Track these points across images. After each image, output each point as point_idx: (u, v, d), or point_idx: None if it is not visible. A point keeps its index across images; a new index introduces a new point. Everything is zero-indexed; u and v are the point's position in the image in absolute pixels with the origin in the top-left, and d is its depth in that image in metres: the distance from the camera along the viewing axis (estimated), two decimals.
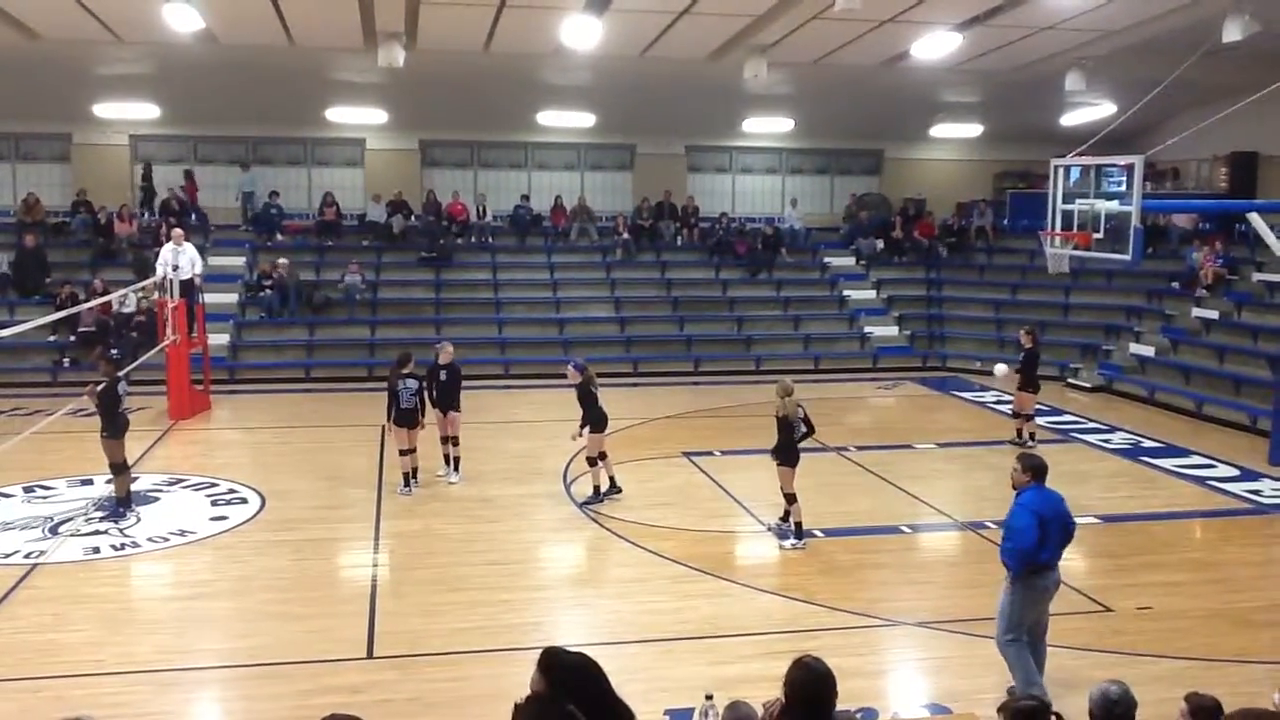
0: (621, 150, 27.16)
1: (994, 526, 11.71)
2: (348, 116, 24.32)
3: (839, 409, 18.76)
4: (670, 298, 24.63)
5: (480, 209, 25.50)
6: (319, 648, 8.63)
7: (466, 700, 7.80)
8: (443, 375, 13.59)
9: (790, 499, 11.30)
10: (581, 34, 17.02)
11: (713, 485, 13.72)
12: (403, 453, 13.19)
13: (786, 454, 11.25)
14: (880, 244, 26.53)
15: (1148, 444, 16.45)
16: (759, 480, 12.84)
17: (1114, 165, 14.60)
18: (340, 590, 10.26)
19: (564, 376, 13.52)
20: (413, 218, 25.13)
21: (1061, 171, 15.23)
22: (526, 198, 26.05)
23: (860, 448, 15.76)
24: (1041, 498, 7.51)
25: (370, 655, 8.51)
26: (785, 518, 11.46)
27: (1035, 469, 7.61)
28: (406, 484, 13.14)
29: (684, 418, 18.23)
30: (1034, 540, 7.30)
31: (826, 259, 26.38)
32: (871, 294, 25.59)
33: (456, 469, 13.68)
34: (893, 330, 24.45)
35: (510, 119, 24.70)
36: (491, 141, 26.38)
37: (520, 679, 7.82)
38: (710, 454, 15.23)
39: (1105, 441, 16.63)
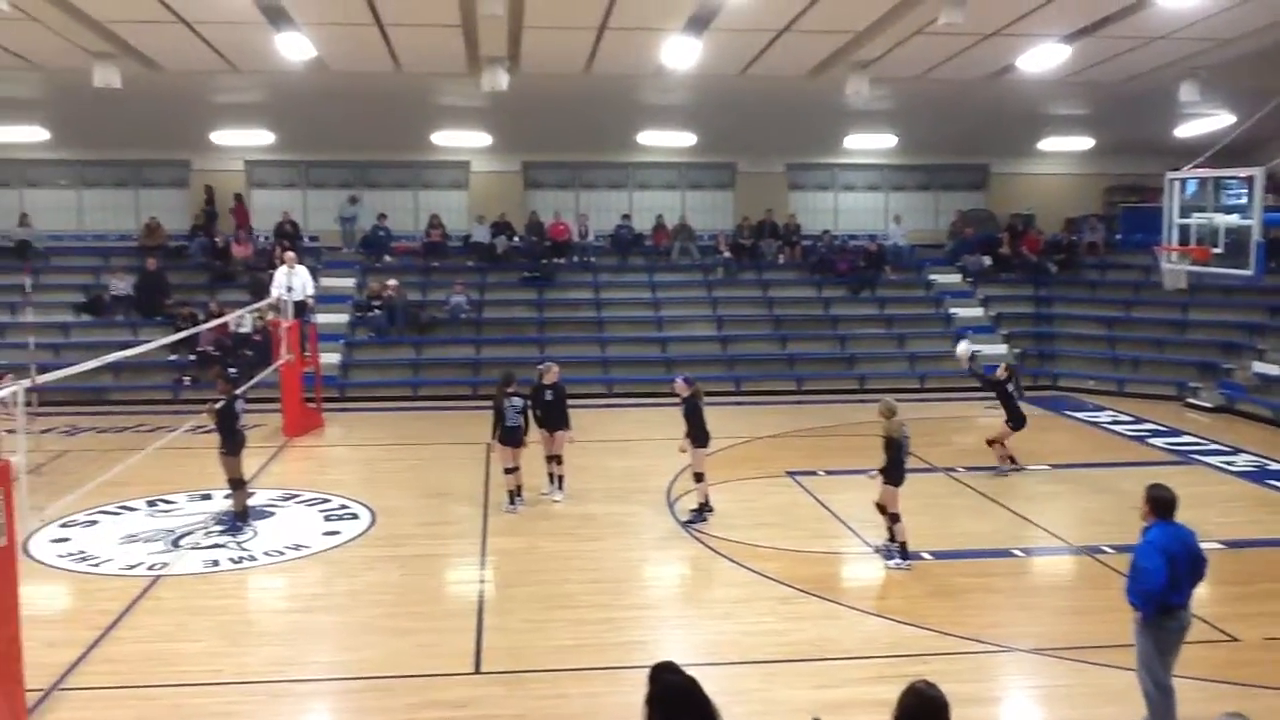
0: (722, 169, 27.17)
1: (1110, 551, 11.39)
2: (452, 140, 24.80)
3: (945, 429, 18.43)
4: (772, 316, 24.51)
5: (582, 229, 25.74)
6: (427, 662, 8.75)
7: (573, 717, 7.83)
8: (548, 395, 13.71)
9: (894, 519, 11.12)
10: (681, 54, 17.09)
11: (817, 505, 13.56)
12: (507, 470, 13.32)
13: (893, 473, 11.08)
14: (987, 260, 26.02)
15: (1274, 466, 15.79)
16: (864, 500, 12.63)
17: (1233, 178, 14.10)
18: (447, 605, 10.39)
19: (666, 395, 13.55)
20: (516, 238, 25.48)
21: (1177, 185, 14.77)
22: (628, 217, 26.22)
23: (969, 468, 15.43)
24: (1170, 534, 7.06)
25: (477, 670, 8.60)
26: (892, 538, 11.27)
27: (1160, 503, 7.16)
28: (512, 501, 13.27)
29: (786, 437, 18.09)
30: (1163, 582, 6.88)
31: (931, 276, 25.97)
32: (978, 311, 25.09)
33: (561, 487, 13.78)
34: (1001, 349, 23.91)
35: (611, 139, 24.92)
36: (592, 162, 26.64)
37: (622, 698, 7.95)
38: (814, 474, 15.08)
39: (1228, 464, 16.00)
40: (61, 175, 25.58)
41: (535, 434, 13.73)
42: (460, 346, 23.01)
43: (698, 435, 12.65)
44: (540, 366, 14.22)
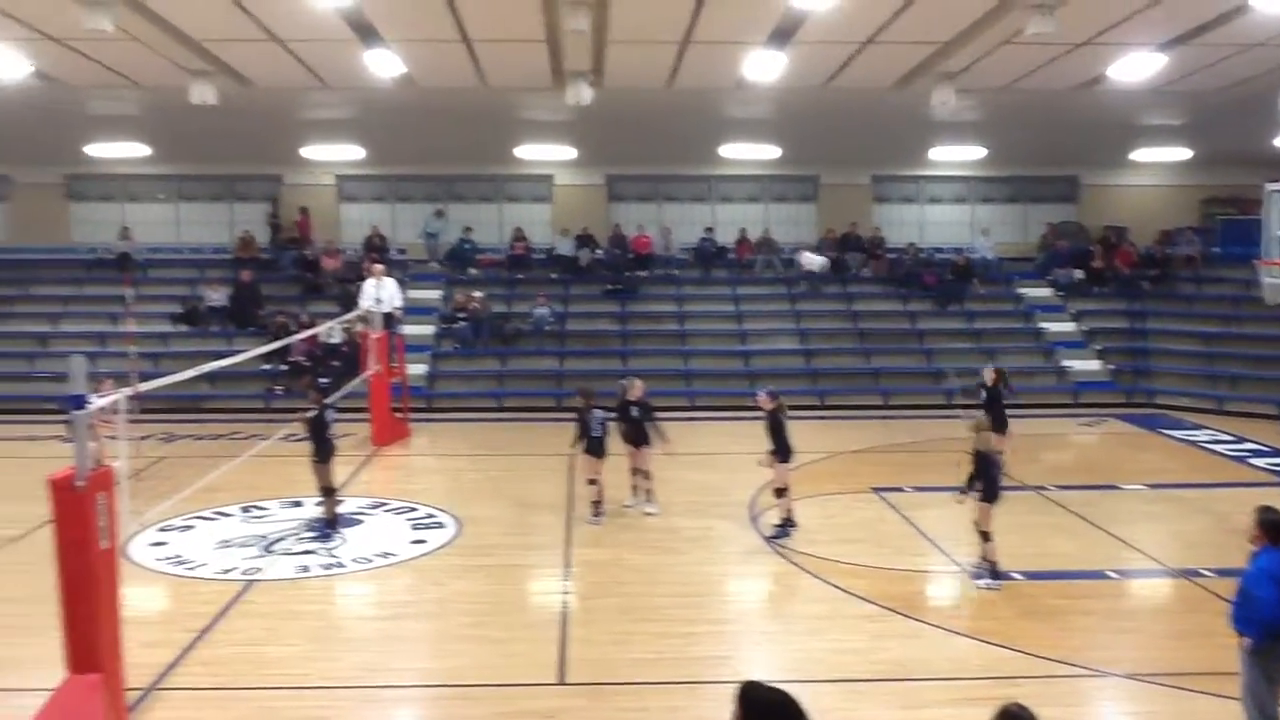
0: (805, 181, 27.02)
1: (1209, 575, 11.02)
2: (537, 154, 25.06)
3: (1037, 446, 18.02)
4: (857, 329, 24.28)
5: (665, 242, 25.79)
6: (512, 671, 8.81)
7: None
8: (633, 411, 13.74)
9: (985, 537, 10.91)
10: (764, 67, 17.05)
11: (903, 522, 13.37)
12: (591, 482, 13.41)
13: (988, 490, 10.86)
14: (1079, 274, 25.47)
15: None
16: (952, 518, 12.44)
17: None
18: (532, 615, 10.45)
19: (749, 409, 13.50)
20: (599, 251, 25.63)
21: (1277, 196, 14.31)
22: (710, 230, 26.21)
23: (1061, 487, 15.07)
24: None
25: (561, 681, 8.63)
26: (984, 557, 11.06)
27: (1271, 527, 6.90)
28: (596, 514, 13.32)
29: (872, 452, 17.88)
30: (1276, 612, 6.66)
31: (1021, 290, 25.50)
32: (1070, 326, 24.55)
33: (649, 499, 13.74)
34: (1094, 364, 23.37)
35: (694, 152, 24.95)
36: (675, 175, 26.69)
37: (704, 713, 7.91)
38: (900, 490, 14.87)
39: None
40: (160, 190, 26.39)
41: (619, 446, 13.77)
42: (544, 358, 23.19)
43: (781, 450, 12.57)
44: (623, 382, 14.27)
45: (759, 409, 13.00)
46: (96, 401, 7.87)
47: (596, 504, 13.40)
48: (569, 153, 25.09)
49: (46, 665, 7.63)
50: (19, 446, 17.70)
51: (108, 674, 7.48)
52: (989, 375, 15.57)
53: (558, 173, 26.35)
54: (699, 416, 20.81)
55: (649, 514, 13.60)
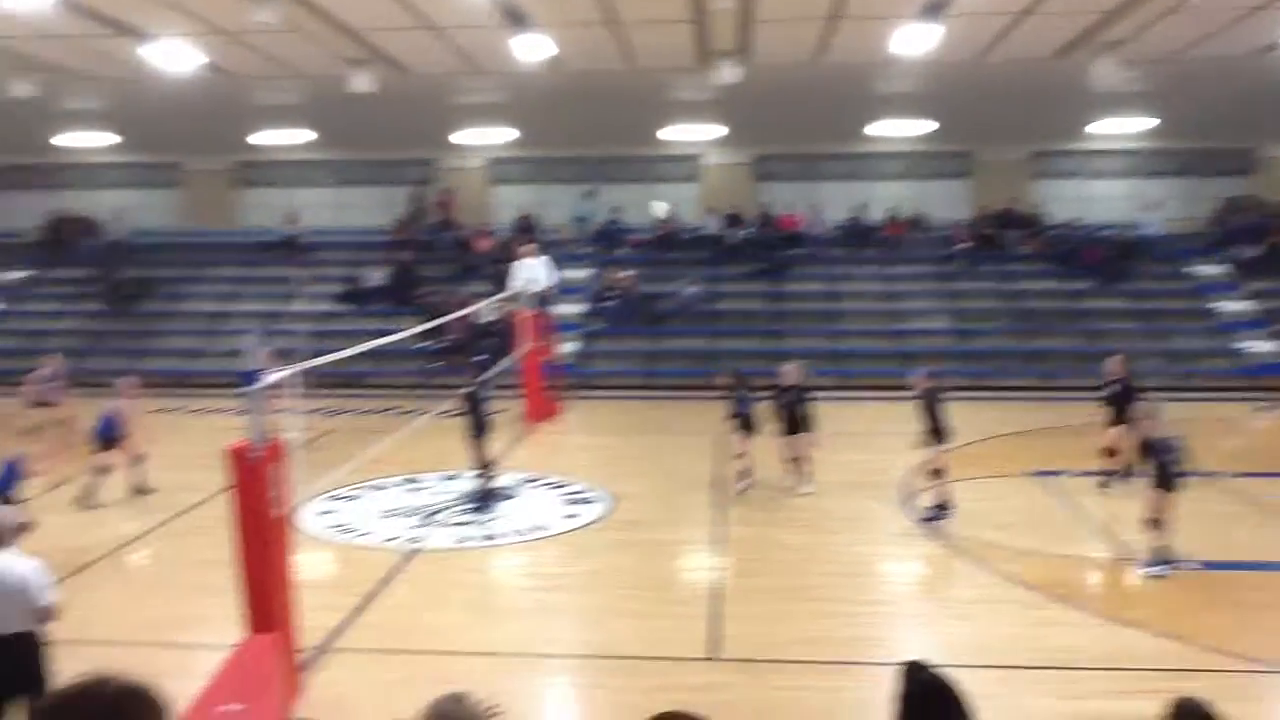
0: (959, 157, 26.28)
1: None
2: (684, 134, 25.06)
3: (1211, 431, 17.08)
4: (1014, 309, 23.53)
5: (814, 220, 25.48)
6: (665, 646, 8.88)
7: (809, 711, 7.77)
8: (789, 397, 13.59)
9: (1154, 525, 10.44)
10: (916, 40, 16.61)
11: (1064, 507, 12.92)
12: (739, 456, 13.55)
13: (1162, 479, 10.39)
14: (1256, 251, 24.08)
15: None
16: (1115, 504, 11.98)
17: None
18: (684, 591, 10.52)
19: (902, 389, 13.25)
20: (747, 230, 25.48)
21: None
22: (861, 208, 25.76)
23: (1239, 474, 14.30)
24: None
25: (715, 657, 8.66)
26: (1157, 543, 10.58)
27: None
28: (741, 482, 13.55)
29: (1030, 435, 17.32)
30: None
31: (1191, 267, 24.28)
32: (1246, 305, 23.25)
33: (806, 480, 13.57)
34: (1272, 345, 22.09)
35: (844, 130, 24.56)
36: (825, 153, 26.31)
37: (862, 694, 7.82)
38: (1059, 474, 14.36)
39: None
40: (323, 175, 27.41)
41: (772, 432, 13.75)
42: (693, 337, 23.22)
43: (936, 431, 12.30)
44: (783, 369, 14.02)
45: (913, 389, 12.75)
46: (270, 377, 8.23)
47: (742, 474, 13.61)
48: (716, 132, 25.00)
49: (228, 624, 8.05)
50: (195, 419, 18.69)
51: (282, 634, 7.85)
52: (1114, 366, 14.21)
53: (706, 152, 26.30)
54: (851, 396, 20.49)
55: (805, 493, 13.45)
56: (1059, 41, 17.91)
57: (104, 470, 13.32)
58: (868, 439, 16.60)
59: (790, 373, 13.73)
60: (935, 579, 11.05)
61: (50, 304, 25.52)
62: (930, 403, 12.35)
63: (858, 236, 25.45)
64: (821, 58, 18.88)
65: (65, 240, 26.45)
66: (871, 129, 24.48)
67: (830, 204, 26.10)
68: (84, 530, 12.16)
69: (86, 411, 14.63)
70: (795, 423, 13.52)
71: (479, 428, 13.21)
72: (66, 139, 25.63)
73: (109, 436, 13.43)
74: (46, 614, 6.59)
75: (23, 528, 6.87)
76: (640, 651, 8.78)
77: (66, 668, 6.58)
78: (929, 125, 24.30)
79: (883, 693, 4.32)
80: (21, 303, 25.70)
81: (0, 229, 27.47)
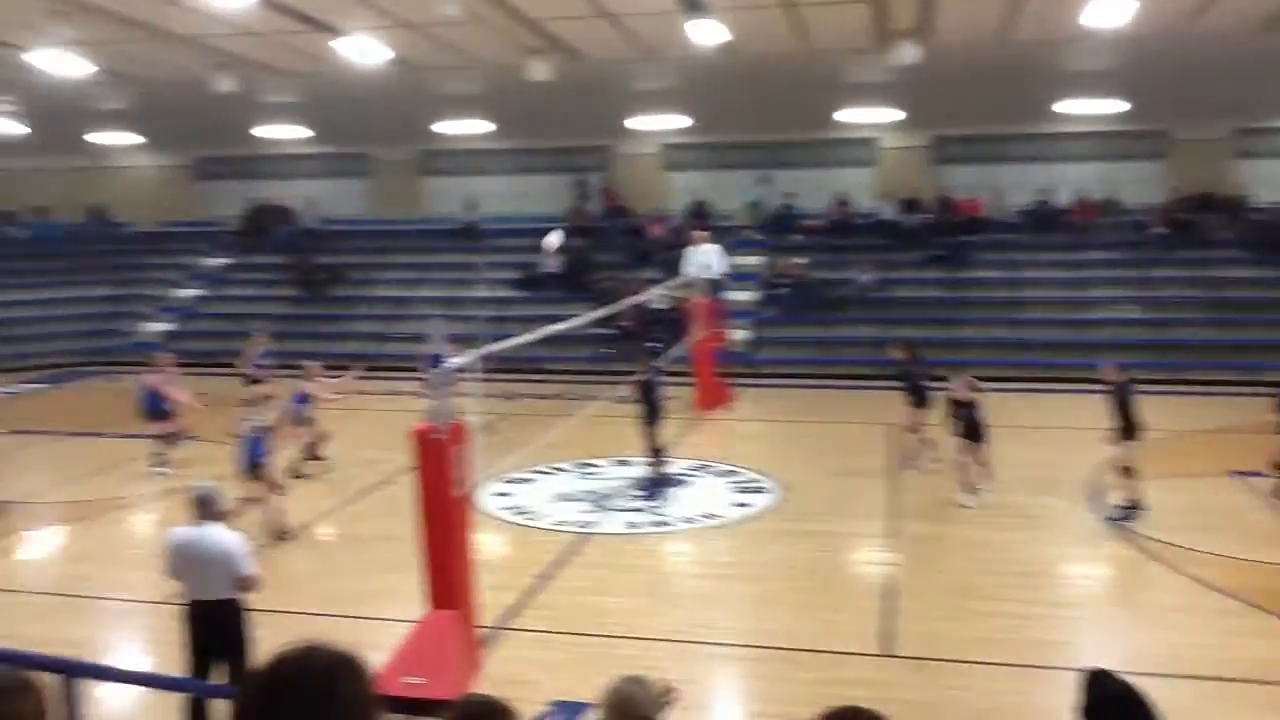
0: (1153, 137, 24.87)
1: None
2: (860, 116, 24.54)
3: None
4: (1213, 298, 22.20)
5: (996, 205, 24.61)
6: (834, 639, 8.78)
7: (985, 713, 7.55)
8: (965, 412, 12.65)
9: None
10: (1111, 13, 15.77)
11: (1268, 510, 12.15)
12: (911, 430, 13.97)
13: None
14: None
15: None
16: None
17: None
18: (855, 585, 10.38)
19: (1086, 381, 12.69)
20: (925, 215, 24.84)
21: None
22: (1047, 192, 24.72)
23: None
24: None
25: (887, 652, 8.51)
26: None
27: None
28: (912, 459, 13.89)
29: (1230, 432, 16.30)
30: None
31: None
32: None
33: (972, 491, 12.58)
34: None
35: (1029, 109, 23.58)
36: (1008, 134, 25.34)
37: (1039, 699, 7.56)
38: (1260, 475, 13.47)
39: None
40: (502, 163, 28.08)
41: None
42: (866, 325, 22.82)
43: (1127, 426, 11.72)
44: (953, 384, 12.99)
45: (1101, 382, 12.20)
46: (453, 361, 8.50)
47: (913, 449, 13.79)
48: (894, 115, 24.41)
49: (411, 599, 8.37)
50: (379, 400, 19.44)
51: (462, 611, 8.12)
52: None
53: (882, 136, 25.72)
54: (1031, 388, 19.77)
55: (965, 506, 12.39)
56: (1267, 11, 16.75)
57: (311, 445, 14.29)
58: (1050, 434, 15.99)
59: (961, 387, 12.73)
60: (1123, 582, 10.56)
61: (248, 289, 27.03)
62: (1121, 396, 11.79)
63: (1043, 221, 24.45)
64: (1007, 35, 18.19)
65: (262, 228, 27.93)
66: (1061, 108, 23.42)
67: (1013, 187, 25.16)
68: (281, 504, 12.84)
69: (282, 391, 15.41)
70: (973, 432, 12.56)
71: (652, 414, 13.33)
72: (264, 131, 27.05)
73: (299, 415, 14.18)
74: (248, 583, 7.00)
75: (234, 507, 7.28)
76: (810, 644, 8.71)
77: (263, 635, 6.99)
78: (1120, 103, 23.09)
79: (1064, 700, 4.17)
80: (221, 288, 27.29)
81: (204, 218, 29.29)
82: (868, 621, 9.12)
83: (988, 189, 25.05)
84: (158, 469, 14.53)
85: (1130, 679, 4.09)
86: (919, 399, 13.75)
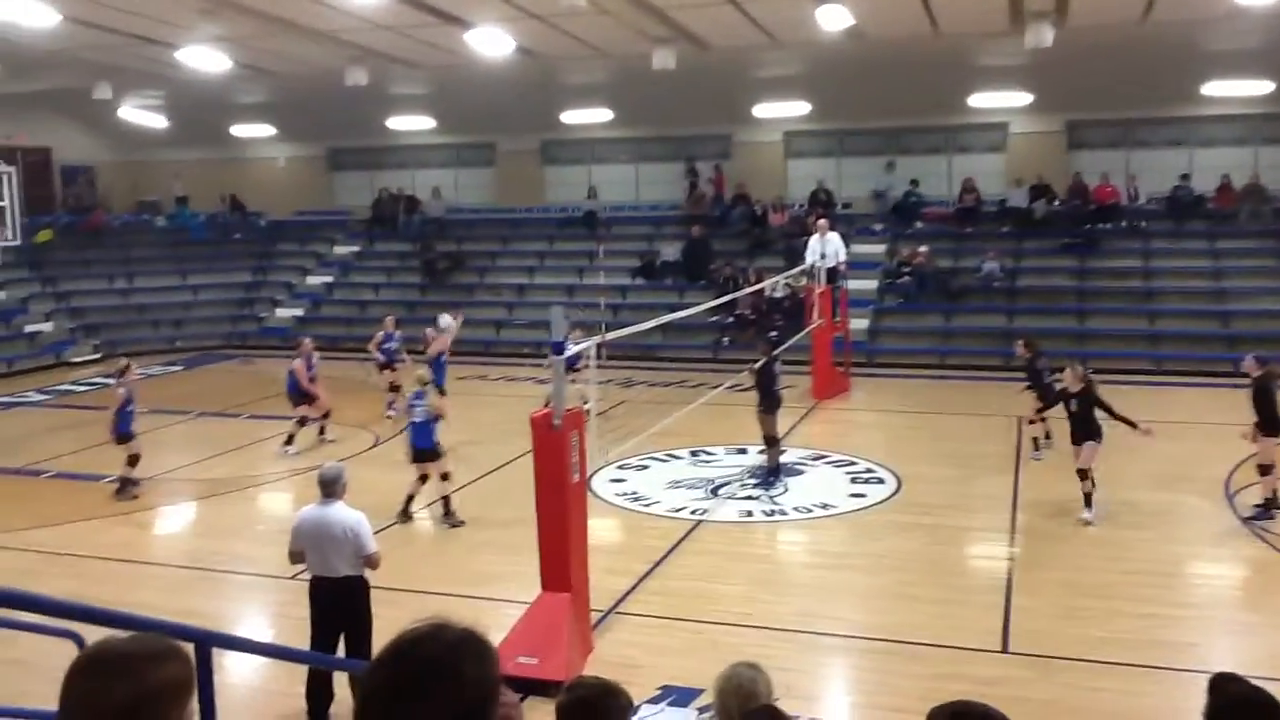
0: None
1: None
2: (990, 101, 23.91)
3: None
4: None
5: (1132, 191, 23.73)
6: (951, 634, 8.64)
7: (1107, 714, 7.36)
8: (1073, 405, 11.81)
9: None
10: None
11: None
12: (1031, 421, 13.86)
13: None
14: None
15: None
16: None
17: None
18: (973, 580, 10.19)
19: (1225, 375, 12.19)
20: (1056, 202, 24.10)
21: None
22: (1186, 177, 23.70)
23: None
24: None
25: (1004, 649, 8.35)
26: None
27: None
28: (1035, 448, 13.91)
29: None
30: None
31: None
32: None
33: (1089, 504, 11.51)
34: None
35: (1169, 92, 22.62)
36: (1147, 118, 24.36)
37: (1163, 701, 7.32)
38: None
39: None
40: (622, 152, 28.23)
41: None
42: (992, 315, 22.27)
43: (1268, 422, 11.22)
44: (1062, 374, 12.27)
45: (1241, 376, 11.69)
46: (573, 348, 8.61)
47: (1036, 440, 13.73)
48: (1025, 99, 23.70)
49: (527, 582, 8.53)
50: (498, 386, 19.82)
51: (575, 594, 8.24)
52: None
53: (1013, 120, 24.97)
54: (1166, 382, 19.06)
55: (1088, 523, 11.32)
56: None
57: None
58: (1185, 428, 15.35)
59: (1067, 375, 11.85)
60: (1258, 584, 10.10)
61: (375, 276, 27.78)
62: (1262, 391, 11.29)
63: (1181, 208, 23.46)
64: (1148, 15, 17.52)
65: (390, 217, 28.67)
66: (1204, 90, 22.41)
67: (1150, 173, 24.22)
68: (401, 487, 13.21)
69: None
70: (1080, 432, 11.64)
71: (769, 403, 13.28)
72: (394, 122, 27.73)
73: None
74: (371, 561, 7.23)
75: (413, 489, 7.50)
76: (926, 638, 8.58)
77: (384, 613, 7.22)
78: (1266, 84, 21.97)
79: (1189, 704, 4.02)
80: (350, 275, 28.12)
81: (335, 207, 30.21)
82: (986, 616, 8.95)
83: (1123, 174, 24.14)
84: (287, 448, 15.11)
85: (1260, 684, 3.94)
86: (1043, 393, 13.50)
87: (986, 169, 25.41)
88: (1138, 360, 19.90)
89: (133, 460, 13.22)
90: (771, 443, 13.33)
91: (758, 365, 13.30)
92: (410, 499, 11.95)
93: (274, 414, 16.89)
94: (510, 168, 28.88)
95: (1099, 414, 11.47)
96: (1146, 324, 21.33)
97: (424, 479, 11.97)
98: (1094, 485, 11.44)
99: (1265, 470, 11.31)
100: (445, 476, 11.97)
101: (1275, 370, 11.46)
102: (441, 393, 14.90)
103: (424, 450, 11.87)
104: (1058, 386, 12.66)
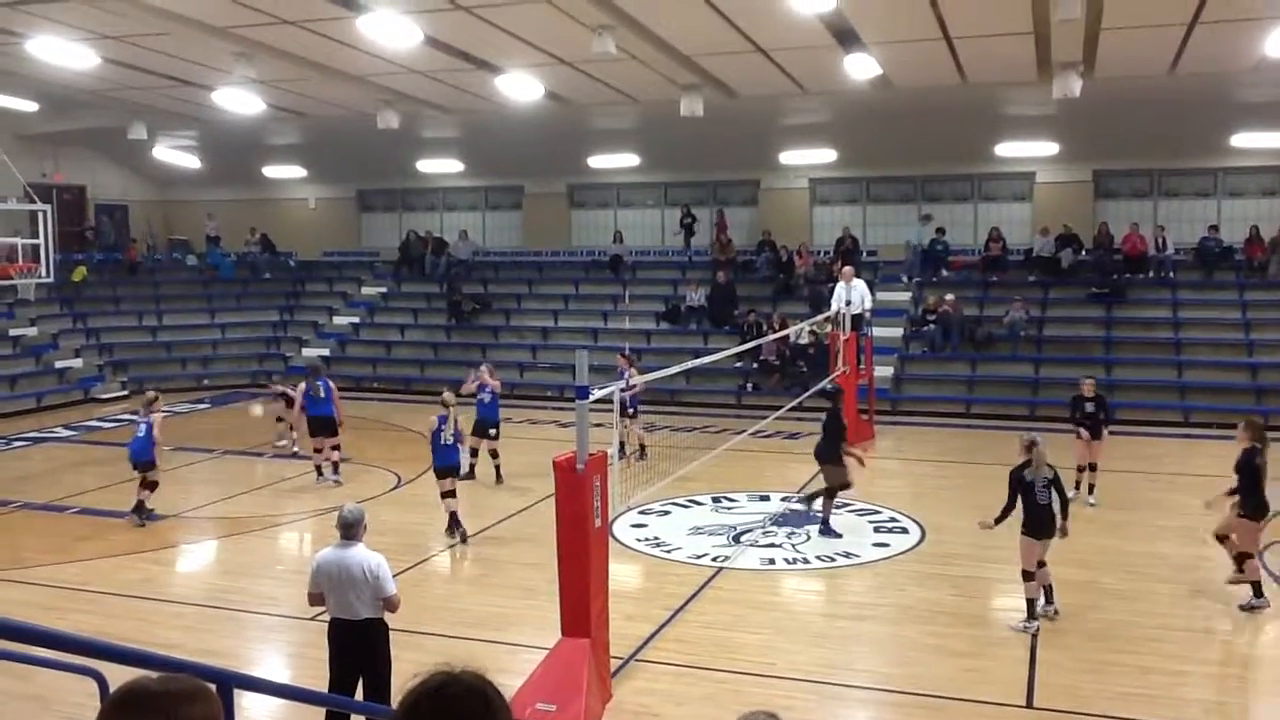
0: None
1: None
2: (1016, 150, 23.97)
3: None
4: None
5: (1160, 241, 23.63)
6: (975, 687, 8.51)
7: None
8: (1088, 407, 13.86)
9: None
10: None
11: None
12: (1080, 468, 13.92)
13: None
14: None
15: None
16: None
17: None
18: (998, 632, 10.02)
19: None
20: (1083, 252, 24.02)
21: None
22: (1215, 228, 23.60)
23: None
24: None
25: (1029, 704, 8.19)
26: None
27: None
28: (1076, 486, 13.66)
29: None
30: None
31: None
32: None
33: (1090, 492, 13.31)
34: None
35: (1197, 143, 22.62)
36: (1175, 169, 24.34)
37: None
38: None
39: None
40: (647, 196, 28.40)
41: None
42: (1018, 364, 22.15)
43: (1249, 501, 10.88)
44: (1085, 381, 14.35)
45: (1274, 429, 11.52)
46: (597, 393, 8.60)
47: (1079, 482, 13.80)
48: (1052, 148, 23.72)
49: (546, 626, 8.47)
50: (522, 428, 19.80)
51: (595, 640, 8.16)
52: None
53: (1039, 169, 24.99)
54: (1194, 434, 18.86)
55: (1090, 504, 13.59)
56: None
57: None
58: (1213, 482, 15.09)
59: (1084, 384, 14.21)
60: None
61: (402, 317, 27.93)
62: (1247, 464, 11.04)
63: (1211, 258, 23.33)
64: (1176, 67, 17.53)
65: (417, 258, 28.88)
66: (1233, 141, 22.37)
67: (1178, 223, 24.12)
68: (421, 528, 13.20)
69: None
70: (1094, 429, 13.80)
71: (834, 454, 12.82)
72: (423, 165, 28.01)
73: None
74: (390, 603, 7.20)
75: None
76: (950, 691, 8.46)
77: (402, 655, 7.18)
78: None
79: None
80: (377, 316, 28.30)
81: (363, 247, 30.48)
82: (1011, 670, 8.81)
83: (1150, 225, 24.05)
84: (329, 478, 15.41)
85: None
86: (1095, 435, 13.85)
87: (1013, 218, 25.41)
88: (1166, 412, 19.72)
89: (150, 485, 13.35)
90: (830, 494, 12.83)
91: (829, 410, 13.07)
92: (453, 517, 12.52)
93: (298, 453, 16.96)
94: (537, 211, 29.08)
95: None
96: (1175, 375, 21.16)
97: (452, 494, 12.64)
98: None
99: (1243, 558, 10.49)
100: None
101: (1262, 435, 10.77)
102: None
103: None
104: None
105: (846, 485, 12.92)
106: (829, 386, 14.85)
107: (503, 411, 16.26)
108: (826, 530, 12.73)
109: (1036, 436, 10.17)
